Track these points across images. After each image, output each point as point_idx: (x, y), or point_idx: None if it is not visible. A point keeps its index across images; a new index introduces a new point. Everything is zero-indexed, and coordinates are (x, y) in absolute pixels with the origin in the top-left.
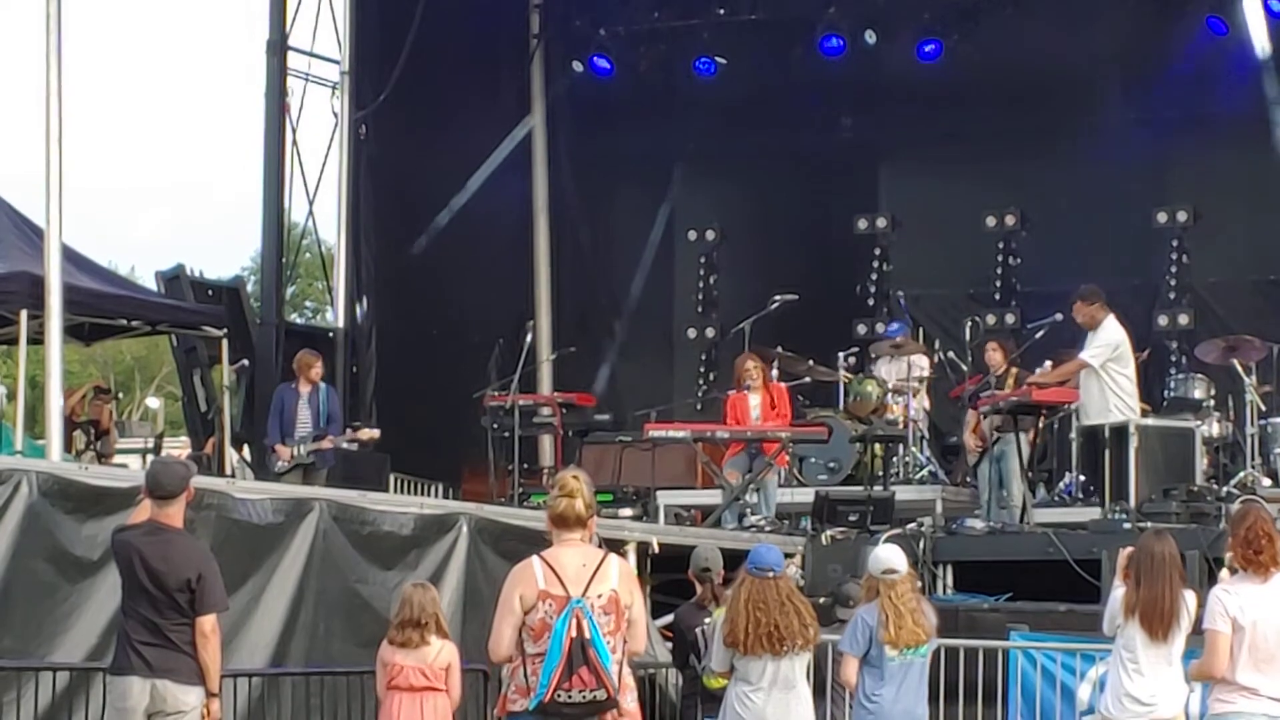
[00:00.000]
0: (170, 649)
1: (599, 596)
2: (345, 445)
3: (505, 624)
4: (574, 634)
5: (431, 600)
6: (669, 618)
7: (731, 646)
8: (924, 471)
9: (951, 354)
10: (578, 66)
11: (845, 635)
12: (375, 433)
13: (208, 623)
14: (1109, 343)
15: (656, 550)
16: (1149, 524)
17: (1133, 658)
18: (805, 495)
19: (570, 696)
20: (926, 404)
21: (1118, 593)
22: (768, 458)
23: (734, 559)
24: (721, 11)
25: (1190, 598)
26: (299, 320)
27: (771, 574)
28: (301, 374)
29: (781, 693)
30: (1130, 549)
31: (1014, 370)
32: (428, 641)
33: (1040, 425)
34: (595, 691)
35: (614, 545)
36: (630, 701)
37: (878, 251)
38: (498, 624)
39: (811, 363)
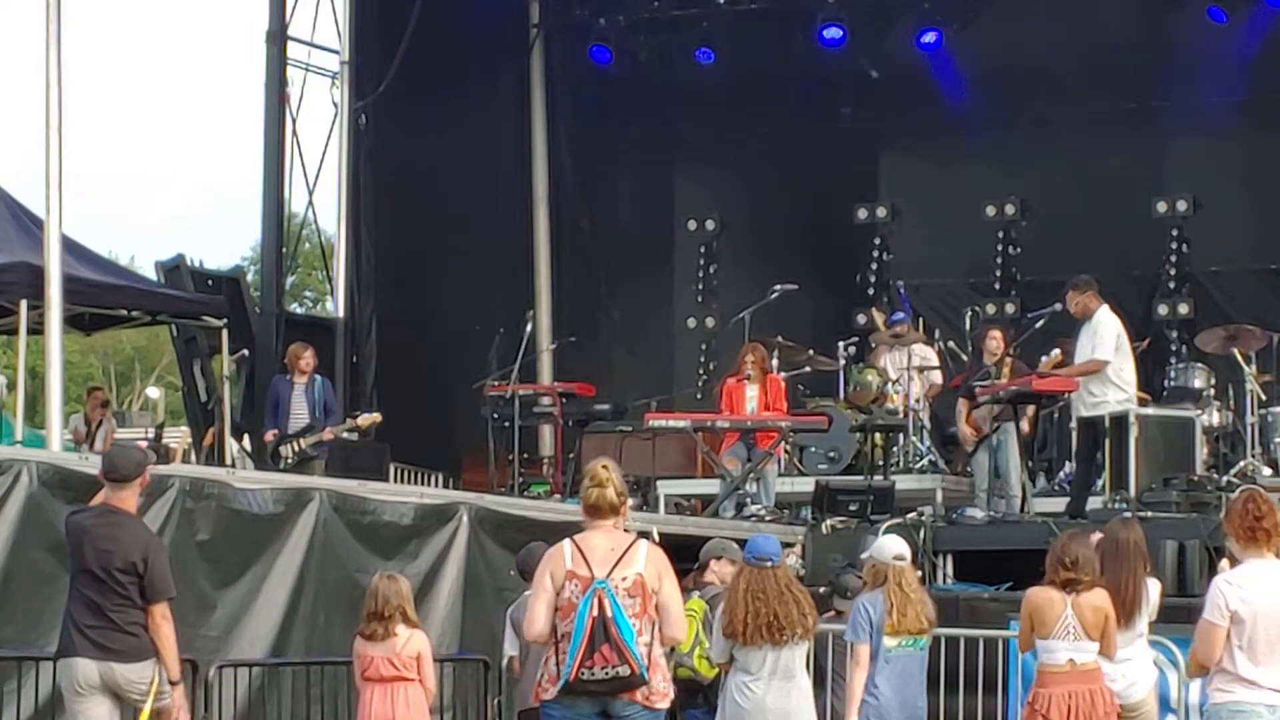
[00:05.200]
0: (113, 629)
1: (624, 579)
2: (346, 435)
3: (539, 602)
4: (596, 613)
5: (396, 592)
6: None
7: (730, 637)
8: (924, 461)
9: (951, 343)
10: (578, 55)
11: (850, 627)
12: (376, 416)
13: (158, 611)
14: (1112, 334)
15: (656, 540)
16: (1149, 513)
17: None
18: (805, 485)
19: (594, 674)
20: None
21: None
22: (764, 450)
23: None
24: (721, 1)
25: (1154, 586)
26: (299, 310)
27: (769, 564)
28: (293, 365)
29: (781, 682)
30: (1098, 535)
31: (1010, 360)
32: (394, 632)
33: (1032, 415)
34: (618, 668)
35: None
36: (659, 681)
37: (878, 241)
38: (531, 603)
39: (811, 352)
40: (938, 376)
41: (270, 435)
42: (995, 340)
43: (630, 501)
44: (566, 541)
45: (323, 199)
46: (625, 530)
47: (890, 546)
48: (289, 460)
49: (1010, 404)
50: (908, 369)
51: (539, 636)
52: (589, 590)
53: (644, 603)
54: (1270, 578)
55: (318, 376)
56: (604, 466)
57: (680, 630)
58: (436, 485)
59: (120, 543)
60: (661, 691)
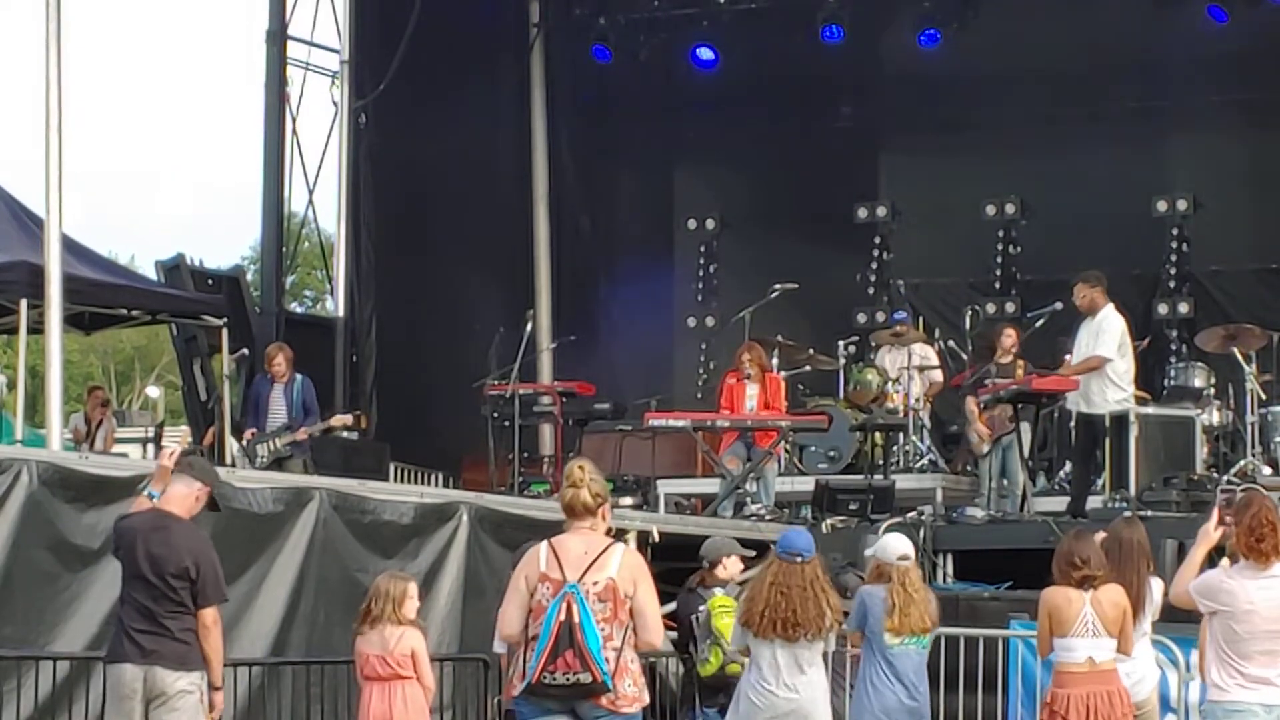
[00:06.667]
0: (164, 635)
1: (594, 584)
2: (318, 434)
3: (510, 602)
4: (563, 618)
5: (388, 591)
6: (670, 606)
7: (745, 627)
8: (924, 460)
9: (951, 343)
10: (578, 55)
11: (851, 615)
12: (347, 418)
13: (209, 615)
14: (1115, 332)
15: (657, 539)
16: (1149, 512)
17: None
18: (805, 484)
19: (554, 678)
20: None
21: None
22: (765, 449)
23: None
24: (721, 0)
25: (1157, 585)
26: (299, 309)
27: (799, 559)
28: (267, 367)
29: (792, 679)
30: (1103, 534)
31: (1021, 360)
32: (387, 631)
33: (1038, 415)
34: (579, 674)
35: (614, 534)
36: (628, 686)
37: (878, 240)
38: (504, 604)
39: (811, 351)
40: (938, 376)
41: (249, 434)
42: (1010, 339)
43: (630, 500)
44: (543, 543)
45: (323, 198)
46: (609, 530)
47: (895, 546)
48: (264, 459)
49: (1011, 403)
50: (908, 368)
51: (510, 637)
52: (559, 594)
53: (615, 608)
54: (1267, 580)
55: (299, 376)
56: (580, 467)
57: (655, 636)
58: (436, 484)
59: (173, 548)
60: (630, 696)
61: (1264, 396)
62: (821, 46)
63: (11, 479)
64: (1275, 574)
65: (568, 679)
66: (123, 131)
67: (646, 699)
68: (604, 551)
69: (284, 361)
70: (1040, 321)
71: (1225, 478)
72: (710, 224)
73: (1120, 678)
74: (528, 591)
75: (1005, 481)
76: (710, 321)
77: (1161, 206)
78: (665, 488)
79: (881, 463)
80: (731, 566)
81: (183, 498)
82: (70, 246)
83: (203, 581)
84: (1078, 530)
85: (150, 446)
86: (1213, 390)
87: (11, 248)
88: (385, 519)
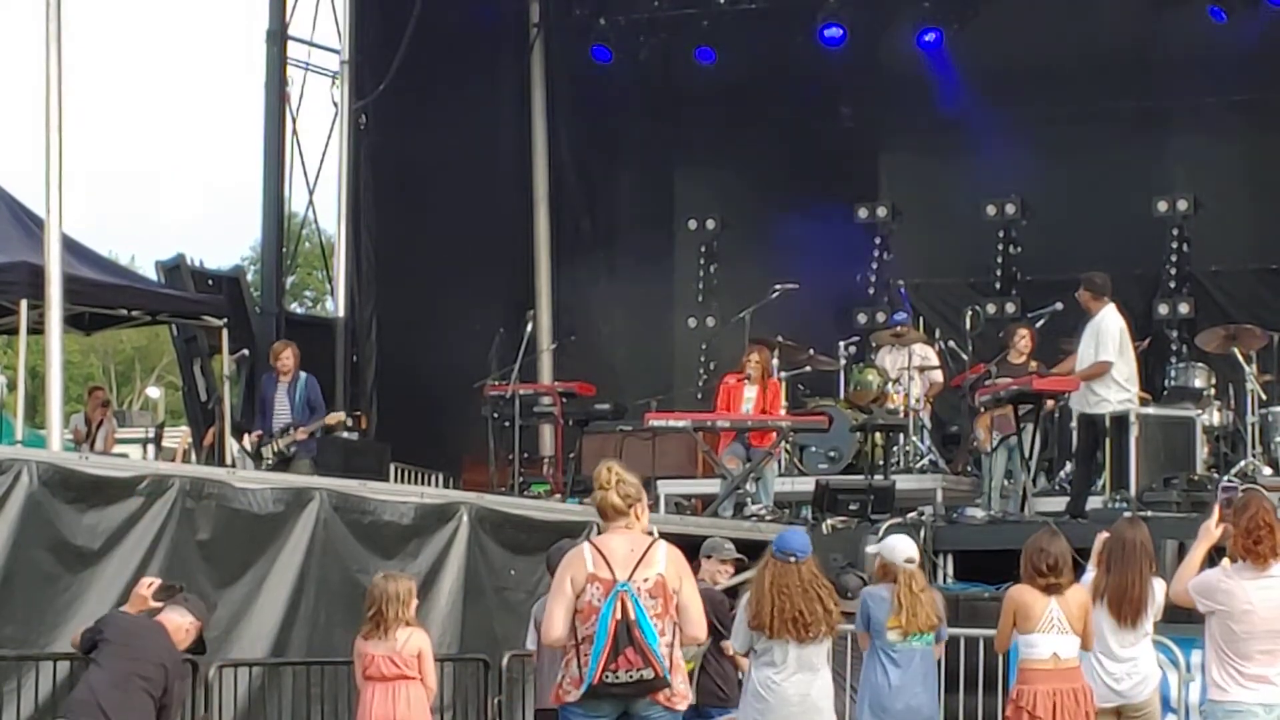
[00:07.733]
0: (123, 705)
1: (645, 580)
2: (318, 432)
3: (557, 606)
4: (619, 616)
5: (396, 593)
6: None
7: (756, 629)
8: (924, 460)
9: (951, 343)
10: (578, 55)
11: (857, 617)
12: (340, 415)
13: None
14: (1114, 334)
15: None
16: (1150, 513)
17: (1101, 643)
18: (806, 484)
19: (618, 677)
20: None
21: (1088, 576)
22: (764, 449)
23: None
24: (721, 1)
25: (1159, 585)
26: (299, 309)
27: (794, 559)
28: (273, 364)
29: (804, 675)
30: (1106, 534)
31: (1035, 362)
32: (394, 632)
33: (1039, 415)
34: (642, 671)
35: None
36: (680, 682)
37: (878, 240)
38: (550, 606)
39: (812, 352)
40: (938, 376)
41: (255, 436)
42: (1024, 339)
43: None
44: (586, 544)
45: (323, 199)
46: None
47: (902, 549)
48: (269, 461)
49: (1012, 404)
50: (908, 369)
51: (557, 641)
52: (611, 593)
53: (665, 603)
54: (1266, 580)
55: (303, 374)
56: (608, 469)
57: (700, 630)
58: (437, 485)
59: (158, 652)
60: (682, 693)
61: (1264, 397)
62: (821, 46)
63: (11, 479)
64: (1273, 574)
65: (631, 676)
66: (123, 131)
67: (692, 696)
68: (650, 548)
69: (290, 357)
70: (1041, 322)
71: (1225, 477)
72: (710, 224)
73: (1083, 676)
74: (574, 594)
75: (1008, 482)
76: (710, 321)
77: (1161, 206)
78: (665, 488)
79: (882, 463)
80: (710, 568)
81: (176, 627)
82: (70, 247)
83: (170, 700)
84: (1044, 531)
85: (150, 447)
86: (1213, 390)
87: (11, 248)
88: (385, 519)
